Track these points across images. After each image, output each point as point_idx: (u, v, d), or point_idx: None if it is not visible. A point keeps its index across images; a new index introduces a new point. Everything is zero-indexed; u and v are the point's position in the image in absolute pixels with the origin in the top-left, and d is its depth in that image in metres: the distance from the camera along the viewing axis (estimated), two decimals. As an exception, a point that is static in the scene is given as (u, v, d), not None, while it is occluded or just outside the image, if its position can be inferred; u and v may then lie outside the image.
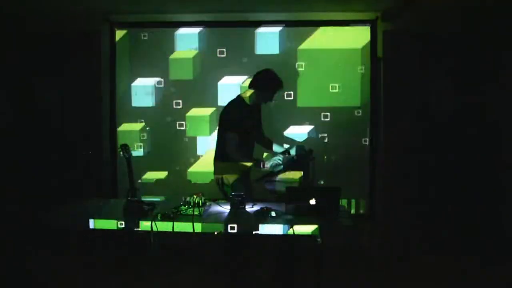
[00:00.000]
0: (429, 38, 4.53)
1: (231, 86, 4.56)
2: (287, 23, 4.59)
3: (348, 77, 4.57)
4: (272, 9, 4.49)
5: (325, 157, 4.60)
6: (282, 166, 3.43)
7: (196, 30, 4.62)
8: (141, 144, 4.71)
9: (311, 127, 4.60)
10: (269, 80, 3.55)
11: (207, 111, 4.63)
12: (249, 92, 3.59)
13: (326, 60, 4.55)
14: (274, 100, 3.67)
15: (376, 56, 4.54)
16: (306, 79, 4.57)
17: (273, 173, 3.47)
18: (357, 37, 4.55)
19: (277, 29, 4.58)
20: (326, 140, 4.60)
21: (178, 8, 4.50)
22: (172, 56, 4.64)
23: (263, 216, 2.98)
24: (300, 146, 3.66)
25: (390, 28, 4.52)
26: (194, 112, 4.64)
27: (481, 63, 4.53)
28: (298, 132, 4.60)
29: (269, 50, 4.57)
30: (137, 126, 4.70)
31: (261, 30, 4.59)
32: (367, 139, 4.60)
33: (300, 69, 4.56)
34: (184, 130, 4.65)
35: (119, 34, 4.66)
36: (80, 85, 4.69)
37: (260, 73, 3.60)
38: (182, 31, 4.63)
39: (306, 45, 4.56)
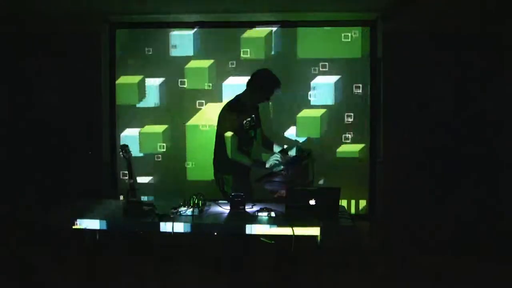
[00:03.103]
0: (429, 38, 4.53)
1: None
2: (286, 24, 4.58)
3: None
4: (270, 9, 4.48)
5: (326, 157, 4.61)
6: (281, 166, 3.43)
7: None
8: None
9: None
10: (266, 79, 3.53)
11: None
12: (247, 92, 3.58)
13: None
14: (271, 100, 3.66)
15: (376, 56, 4.54)
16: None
17: (273, 173, 3.46)
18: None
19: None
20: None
21: (178, 9, 4.49)
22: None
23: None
24: (299, 146, 3.65)
25: (390, 28, 4.52)
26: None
27: (481, 63, 4.53)
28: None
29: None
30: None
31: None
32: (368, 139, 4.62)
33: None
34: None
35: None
36: (80, 85, 4.69)
37: (257, 73, 3.59)
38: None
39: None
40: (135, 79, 4.67)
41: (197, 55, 4.62)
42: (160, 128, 4.69)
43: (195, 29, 4.60)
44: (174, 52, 4.63)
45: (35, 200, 4.60)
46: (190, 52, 4.62)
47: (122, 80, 4.68)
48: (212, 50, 4.61)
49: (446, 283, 3.48)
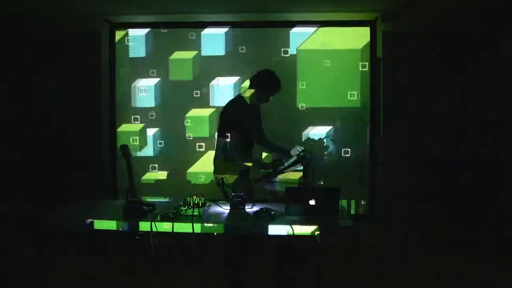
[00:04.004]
0: (429, 38, 4.53)
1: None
2: (286, 24, 4.58)
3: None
4: (270, 9, 4.48)
5: (325, 157, 4.61)
6: (282, 166, 3.43)
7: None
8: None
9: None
10: (267, 80, 3.54)
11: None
12: (249, 91, 3.58)
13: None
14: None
15: (376, 56, 4.54)
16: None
17: (273, 173, 3.46)
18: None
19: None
20: (325, 142, 4.61)
21: (178, 9, 4.49)
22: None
23: (262, 217, 2.98)
24: (299, 146, 3.65)
25: (390, 28, 4.52)
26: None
27: (481, 63, 4.54)
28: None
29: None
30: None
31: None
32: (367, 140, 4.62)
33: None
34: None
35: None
36: (80, 85, 4.70)
37: (260, 73, 3.59)
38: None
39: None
40: (137, 127, 4.72)
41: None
42: (162, 175, 4.73)
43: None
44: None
45: (35, 201, 4.59)
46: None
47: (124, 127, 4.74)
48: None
49: (446, 283, 3.48)
